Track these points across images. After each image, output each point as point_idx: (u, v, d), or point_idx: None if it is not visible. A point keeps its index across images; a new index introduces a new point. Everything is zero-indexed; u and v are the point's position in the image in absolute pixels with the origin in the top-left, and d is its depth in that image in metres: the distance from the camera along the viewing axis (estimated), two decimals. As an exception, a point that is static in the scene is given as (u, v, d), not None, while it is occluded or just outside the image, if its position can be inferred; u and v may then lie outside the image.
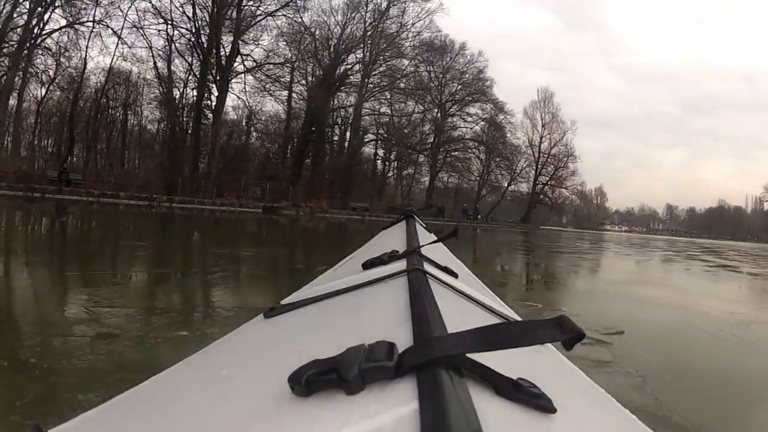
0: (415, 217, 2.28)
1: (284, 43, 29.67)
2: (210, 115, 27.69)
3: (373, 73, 33.65)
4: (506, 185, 44.27)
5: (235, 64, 27.84)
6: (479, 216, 37.99)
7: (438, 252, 1.16)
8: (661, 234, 70.60)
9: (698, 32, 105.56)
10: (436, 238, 1.35)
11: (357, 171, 33.84)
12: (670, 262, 12.78)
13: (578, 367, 0.58)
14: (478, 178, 42.44)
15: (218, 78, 27.18)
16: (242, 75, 28.50)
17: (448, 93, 39.15)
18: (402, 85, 35.21)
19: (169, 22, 26.04)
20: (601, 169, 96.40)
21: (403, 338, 0.40)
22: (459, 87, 39.46)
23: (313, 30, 30.62)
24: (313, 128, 31.34)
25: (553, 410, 0.33)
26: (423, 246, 1.02)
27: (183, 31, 26.53)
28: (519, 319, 0.72)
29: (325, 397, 0.32)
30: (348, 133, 34.05)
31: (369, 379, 0.31)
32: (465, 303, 0.72)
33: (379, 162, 37.44)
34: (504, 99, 42.17)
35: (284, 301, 0.78)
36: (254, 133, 31.36)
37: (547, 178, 46.19)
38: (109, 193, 19.09)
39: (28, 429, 0.41)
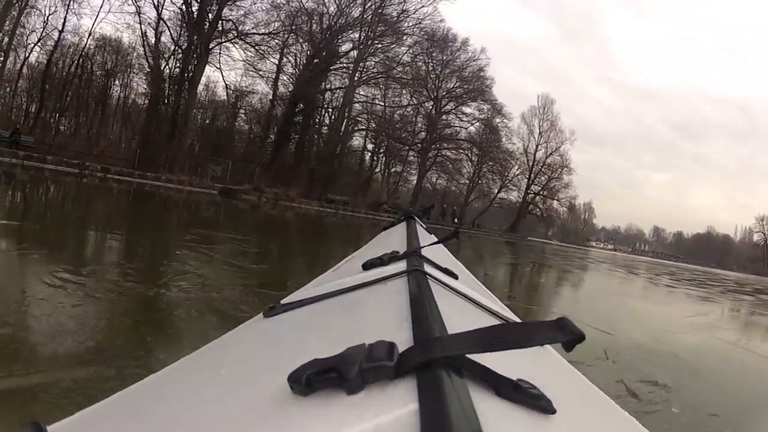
0: (416, 218, 2.30)
1: (274, 13, 28.52)
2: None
3: (368, 58, 32.75)
4: (496, 191, 44.04)
5: (216, 34, 26.61)
6: (456, 219, 35.85)
7: (438, 253, 1.18)
8: (648, 256, 71.54)
9: (695, 56, 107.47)
10: (436, 240, 1.38)
11: (342, 161, 32.94)
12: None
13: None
14: (467, 182, 42.07)
15: (198, 46, 25.98)
16: (225, 44, 27.31)
17: (446, 88, 38.49)
18: (398, 74, 34.36)
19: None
20: (588, 185, 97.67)
21: (403, 338, 0.41)
22: (457, 83, 38.83)
23: (305, 3, 29.52)
24: (297, 110, 30.26)
25: (552, 411, 0.35)
26: (423, 247, 1.03)
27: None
28: (518, 320, 0.73)
29: (325, 396, 0.32)
30: (336, 120, 33.08)
31: (369, 379, 0.32)
32: (465, 304, 0.73)
33: (367, 156, 36.64)
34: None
35: (284, 301, 0.78)
36: (242, 115, 30.35)
37: (540, 188, 46.08)
38: (35, 156, 17.69)
39: (27, 426, 0.39)
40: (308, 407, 0.32)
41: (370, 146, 36.29)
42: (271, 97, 30.04)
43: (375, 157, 37.14)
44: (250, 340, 0.64)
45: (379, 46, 32.53)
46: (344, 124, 32.91)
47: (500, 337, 0.34)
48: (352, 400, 0.31)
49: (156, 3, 24.91)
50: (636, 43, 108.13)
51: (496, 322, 0.69)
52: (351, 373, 0.32)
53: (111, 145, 24.66)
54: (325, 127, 32.66)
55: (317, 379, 0.33)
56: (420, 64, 35.97)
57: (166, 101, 25.48)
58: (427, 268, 0.78)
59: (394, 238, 1.72)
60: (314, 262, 6.71)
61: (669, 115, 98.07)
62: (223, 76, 28.24)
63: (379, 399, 0.31)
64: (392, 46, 32.98)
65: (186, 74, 25.90)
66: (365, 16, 31.21)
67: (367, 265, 0.90)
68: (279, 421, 0.33)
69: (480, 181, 42.55)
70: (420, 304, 0.52)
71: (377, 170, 37.76)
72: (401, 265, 0.82)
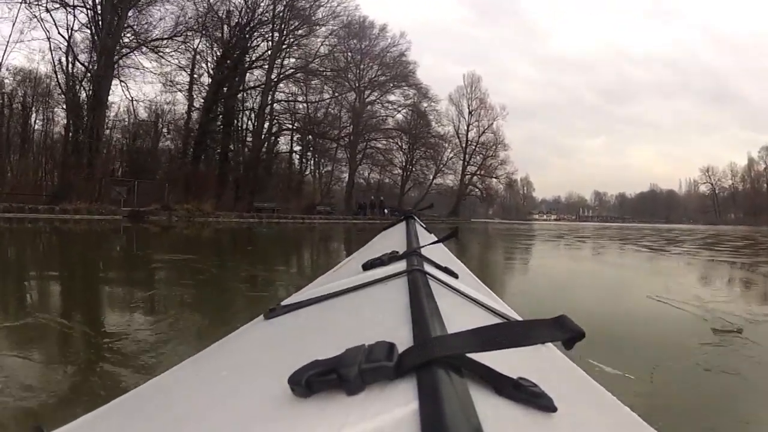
0: (415, 217, 2.39)
1: (181, 18, 28.11)
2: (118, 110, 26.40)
3: (284, 55, 32.80)
4: (432, 178, 45.38)
5: (118, 46, 26.08)
6: (386, 210, 34.66)
7: (438, 252, 1.22)
8: (593, 221, 74.88)
9: (613, 19, 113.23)
10: (436, 239, 1.42)
11: (270, 167, 32.95)
12: None
13: None
14: (401, 172, 43.16)
15: (102, 59, 25.40)
16: (130, 56, 26.81)
17: (367, 78, 39.36)
18: (316, 68, 34.54)
19: (69, 7, 24.09)
20: (524, 159, 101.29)
21: (403, 338, 0.42)
22: (379, 71, 39.69)
23: (213, 3, 29.19)
24: (213, 116, 30.03)
25: (553, 409, 0.35)
26: (423, 246, 1.08)
27: (81, 18, 24.72)
28: (519, 318, 0.76)
29: (325, 397, 0.33)
30: (257, 124, 32.92)
31: (369, 380, 0.33)
32: (465, 303, 0.75)
33: (296, 159, 36.89)
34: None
35: (284, 302, 0.81)
36: (165, 133, 29.90)
37: (476, 168, 47.62)
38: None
39: (30, 431, 0.48)
40: (309, 409, 0.33)
41: (297, 148, 36.69)
42: (186, 109, 29.80)
43: (304, 159, 37.66)
44: (251, 342, 0.66)
45: (294, 40, 32.63)
46: (266, 126, 32.93)
47: (500, 336, 0.35)
48: (352, 401, 0.32)
49: (66, 25, 24.43)
50: (552, 13, 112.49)
51: (496, 320, 0.71)
52: (351, 374, 0.33)
53: (22, 181, 23.80)
54: (250, 134, 32.60)
55: (317, 380, 0.34)
56: (338, 55, 36.40)
57: (85, 127, 25.02)
58: (427, 268, 0.81)
59: (393, 238, 1.77)
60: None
61: (594, 81, 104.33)
62: (128, 90, 27.41)
63: (380, 399, 0.32)
64: (308, 37, 33.11)
65: (100, 96, 25.54)
66: (277, 10, 31.24)
67: (367, 266, 0.93)
68: (280, 423, 0.33)
69: (414, 169, 43.92)
70: (420, 304, 0.53)
71: (307, 172, 38.24)
72: (401, 265, 0.84)
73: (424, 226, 2.43)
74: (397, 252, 0.99)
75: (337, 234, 18.30)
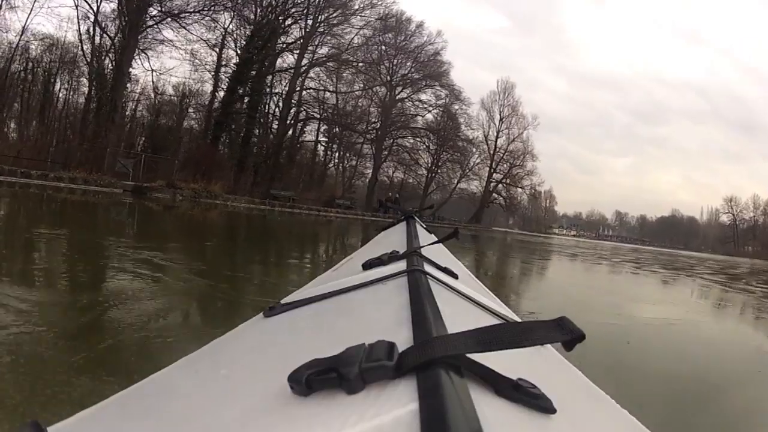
0: (416, 217, 2.35)
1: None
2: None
3: (316, 42, 31.88)
4: (456, 182, 44.29)
5: (146, 16, 25.28)
6: (399, 212, 34.20)
7: (438, 253, 1.20)
8: (612, 240, 73.84)
9: (648, 41, 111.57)
10: (436, 239, 1.43)
11: (291, 154, 32.07)
12: None
13: None
14: (426, 173, 42.04)
15: (126, 27, 24.60)
16: (156, 27, 25.97)
17: (400, 74, 38.23)
18: (348, 57, 33.60)
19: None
20: (546, 172, 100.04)
21: (403, 338, 0.42)
22: (412, 69, 38.52)
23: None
24: (236, 96, 29.04)
25: (552, 411, 0.36)
26: (423, 247, 1.06)
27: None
28: (519, 319, 0.76)
29: (324, 396, 0.34)
30: (283, 110, 32.04)
31: (369, 379, 0.33)
32: (465, 304, 0.75)
33: (321, 150, 35.98)
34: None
35: (284, 301, 0.80)
36: (192, 113, 29.48)
37: (502, 176, 46.51)
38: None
39: (27, 426, 0.41)
40: (308, 407, 0.33)
41: (323, 139, 35.70)
42: (212, 89, 29.00)
43: (329, 151, 36.71)
44: (250, 340, 0.66)
45: (327, 28, 31.70)
46: (292, 113, 32.06)
47: (500, 337, 0.34)
48: (352, 400, 0.32)
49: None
50: (587, 30, 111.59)
51: (496, 321, 0.71)
52: (351, 373, 0.33)
53: (30, 146, 23.11)
54: (276, 120, 31.67)
55: (317, 379, 0.33)
56: (372, 47, 35.42)
57: (104, 97, 24.35)
58: (427, 268, 0.80)
59: (393, 238, 1.77)
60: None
61: (624, 101, 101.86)
62: (150, 62, 26.71)
63: (379, 399, 0.31)
64: (342, 25, 32.10)
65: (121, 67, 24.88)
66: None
67: (367, 265, 0.91)
68: (279, 421, 0.33)
69: (439, 171, 42.72)
70: (420, 304, 0.53)
71: (331, 165, 37.33)
72: (401, 265, 0.83)
73: (425, 226, 2.40)
74: (397, 252, 0.98)
75: (353, 232, 16.93)
